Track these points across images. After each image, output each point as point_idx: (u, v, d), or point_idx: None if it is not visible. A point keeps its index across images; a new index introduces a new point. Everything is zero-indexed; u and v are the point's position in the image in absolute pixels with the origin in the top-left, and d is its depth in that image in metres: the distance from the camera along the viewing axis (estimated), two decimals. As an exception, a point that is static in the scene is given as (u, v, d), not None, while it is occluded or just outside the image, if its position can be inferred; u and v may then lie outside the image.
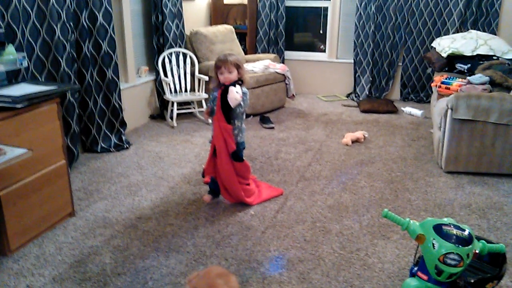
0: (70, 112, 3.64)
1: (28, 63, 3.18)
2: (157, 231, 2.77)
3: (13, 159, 2.13)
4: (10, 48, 2.66)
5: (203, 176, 3.25)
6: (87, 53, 3.82)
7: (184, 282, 2.23)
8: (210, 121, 3.12)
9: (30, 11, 3.19)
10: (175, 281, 2.29)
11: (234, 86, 2.86)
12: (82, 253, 2.54)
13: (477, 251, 1.66)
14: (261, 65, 5.38)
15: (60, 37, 3.42)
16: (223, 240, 2.68)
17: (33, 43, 3.26)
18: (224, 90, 2.87)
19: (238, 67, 2.92)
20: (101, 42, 3.92)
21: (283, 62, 6.33)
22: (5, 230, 2.42)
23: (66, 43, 3.49)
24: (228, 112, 2.89)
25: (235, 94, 2.81)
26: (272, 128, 4.85)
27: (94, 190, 3.32)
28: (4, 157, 2.11)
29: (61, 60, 3.45)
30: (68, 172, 2.89)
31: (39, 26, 3.29)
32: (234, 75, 2.90)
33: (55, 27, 3.37)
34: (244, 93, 2.91)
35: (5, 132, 2.33)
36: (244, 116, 3.04)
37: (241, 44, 6.10)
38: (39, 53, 3.32)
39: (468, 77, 4.17)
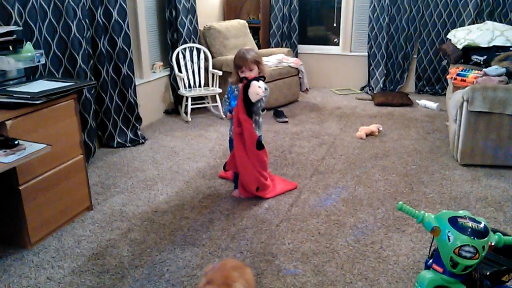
0: (87, 108, 3.70)
1: (45, 60, 3.23)
2: (173, 224, 2.81)
3: (32, 154, 2.18)
4: (28, 46, 2.70)
5: (225, 169, 3.26)
6: (103, 49, 3.87)
7: (200, 275, 2.26)
8: (224, 116, 3.14)
9: (47, 9, 3.24)
10: (191, 274, 2.33)
11: (258, 81, 2.87)
12: (100, 246, 2.59)
13: (492, 244, 1.65)
14: (274, 59, 5.38)
15: (76, 34, 3.47)
16: (238, 233, 2.70)
17: (50, 41, 3.32)
18: (247, 84, 2.88)
19: (258, 63, 2.96)
20: (116, 39, 3.96)
21: (296, 56, 6.32)
22: (26, 223, 2.48)
23: (82, 40, 3.54)
24: (249, 106, 2.91)
25: (256, 89, 2.83)
26: (286, 122, 4.86)
27: (111, 184, 3.38)
28: (24, 152, 2.16)
29: (77, 57, 3.50)
30: (86, 167, 2.94)
31: (55, 24, 3.34)
32: (255, 72, 2.95)
33: (71, 24, 3.41)
34: (265, 89, 2.94)
35: (24, 128, 2.38)
36: (261, 111, 3.06)
37: (254, 39, 6.11)
38: (55, 50, 3.37)
39: (484, 69, 4.11)
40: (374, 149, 4.03)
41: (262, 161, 3.10)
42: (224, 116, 3.17)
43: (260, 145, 3.04)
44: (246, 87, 2.87)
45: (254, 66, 2.94)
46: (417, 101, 5.50)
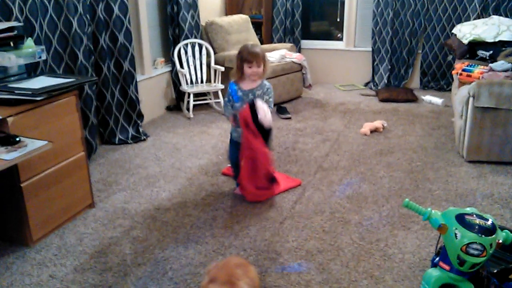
0: (88, 104, 3.67)
1: (46, 56, 3.21)
2: (175, 222, 2.78)
3: (33, 151, 2.16)
4: (29, 42, 2.68)
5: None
6: (104, 45, 3.84)
7: (203, 272, 2.24)
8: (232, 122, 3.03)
9: (48, 5, 3.22)
10: (194, 271, 2.30)
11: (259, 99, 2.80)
12: (103, 244, 2.57)
13: (500, 241, 1.63)
14: (277, 54, 5.33)
15: (77, 29, 3.44)
16: (242, 230, 2.68)
17: (51, 36, 3.29)
18: (251, 106, 2.75)
19: (265, 60, 2.88)
20: (118, 34, 3.93)
21: (299, 51, 6.27)
22: (27, 221, 2.46)
23: (83, 36, 3.51)
24: (264, 132, 2.80)
25: (267, 113, 2.74)
26: (289, 118, 4.82)
27: (113, 182, 3.36)
28: (25, 149, 2.14)
29: (78, 53, 3.48)
30: (87, 164, 2.92)
31: (56, 19, 3.32)
32: (261, 69, 2.87)
33: (72, 20, 3.38)
34: (268, 88, 2.90)
35: (25, 125, 2.36)
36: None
37: (257, 34, 6.06)
38: (56, 46, 3.35)
39: (490, 64, 4.07)
40: (378, 146, 3.99)
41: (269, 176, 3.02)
42: (226, 118, 3.07)
43: (273, 180, 2.98)
44: (252, 109, 2.72)
45: (262, 63, 2.86)
46: (422, 97, 5.45)
